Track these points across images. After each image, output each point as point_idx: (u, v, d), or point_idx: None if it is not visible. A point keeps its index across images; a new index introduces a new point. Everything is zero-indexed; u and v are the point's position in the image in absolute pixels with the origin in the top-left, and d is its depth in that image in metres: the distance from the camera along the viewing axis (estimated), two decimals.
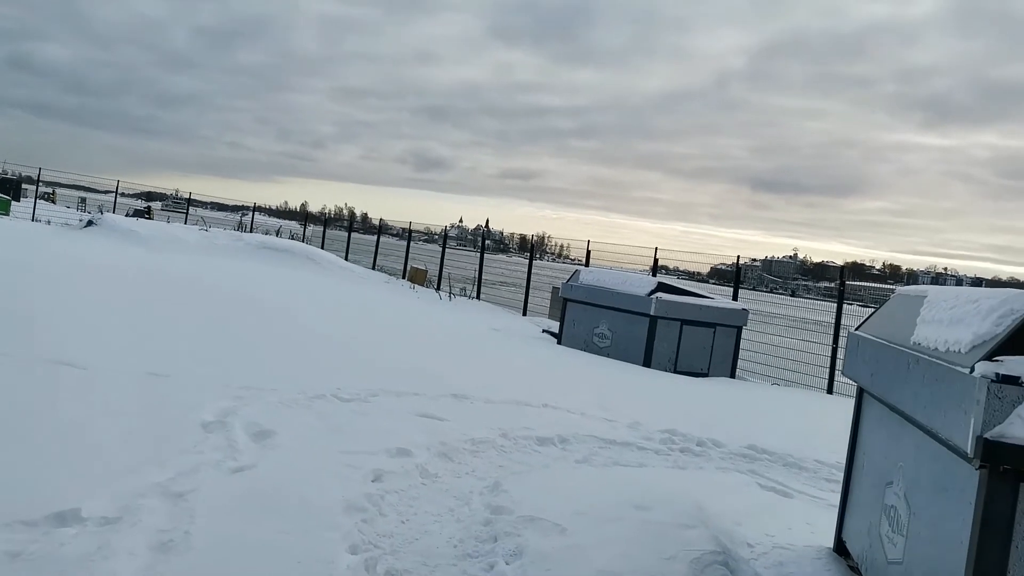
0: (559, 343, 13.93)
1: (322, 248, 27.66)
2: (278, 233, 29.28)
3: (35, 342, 6.36)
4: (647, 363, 12.39)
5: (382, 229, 32.34)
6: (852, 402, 3.76)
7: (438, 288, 21.84)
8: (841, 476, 3.86)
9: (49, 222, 23.63)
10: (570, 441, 6.18)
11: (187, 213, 36.32)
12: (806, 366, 14.02)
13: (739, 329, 13.23)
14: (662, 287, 12.72)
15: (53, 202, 51.84)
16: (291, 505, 3.62)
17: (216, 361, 6.75)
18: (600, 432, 6.60)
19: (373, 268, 25.98)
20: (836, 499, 3.86)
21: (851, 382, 3.95)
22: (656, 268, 16.32)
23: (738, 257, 14.35)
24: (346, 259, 26.65)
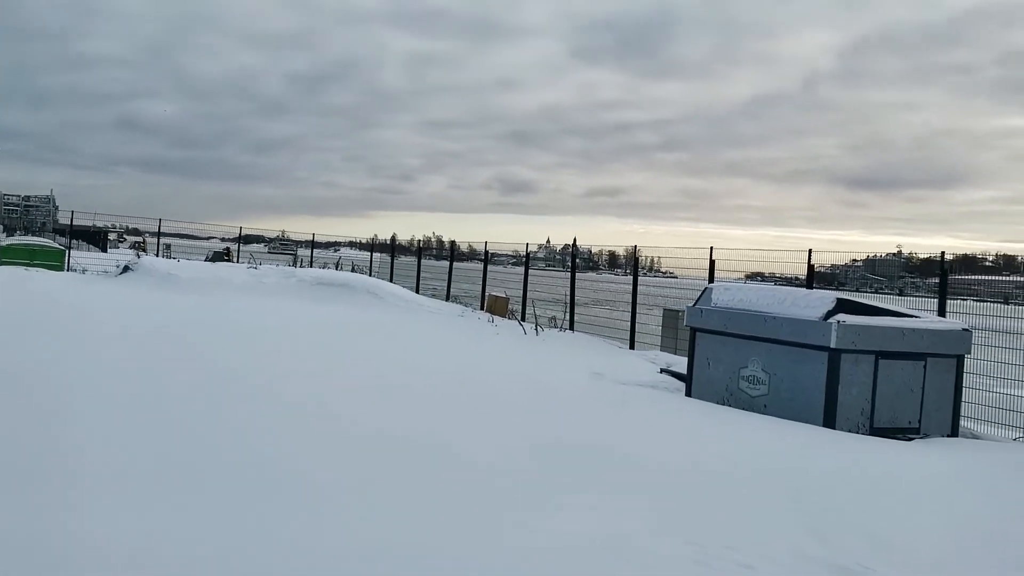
0: (688, 393, 9.95)
1: (391, 279, 24.42)
2: (337, 266, 26.21)
3: None
4: (829, 420, 8.27)
5: (464, 255, 28.97)
6: None
7: (522, 319, 18.11)
8: None
9: (84, 271, 21.20)
10: None
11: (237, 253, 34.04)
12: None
13: (959, 360, 8.96)
14: (842, 305, 8.60)
15: (144, 251, 51.49)
16: None
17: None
18: None
19: (447, 299, 22.49)
20: None
21: None
22: (812, 278, 12.07)
23: (943, 254, 9.93)
24: (417, 291, 23.28)
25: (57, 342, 8.58)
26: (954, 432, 8.80)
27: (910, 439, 8.27)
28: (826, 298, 8.74)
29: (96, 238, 52.11)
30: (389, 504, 4.05)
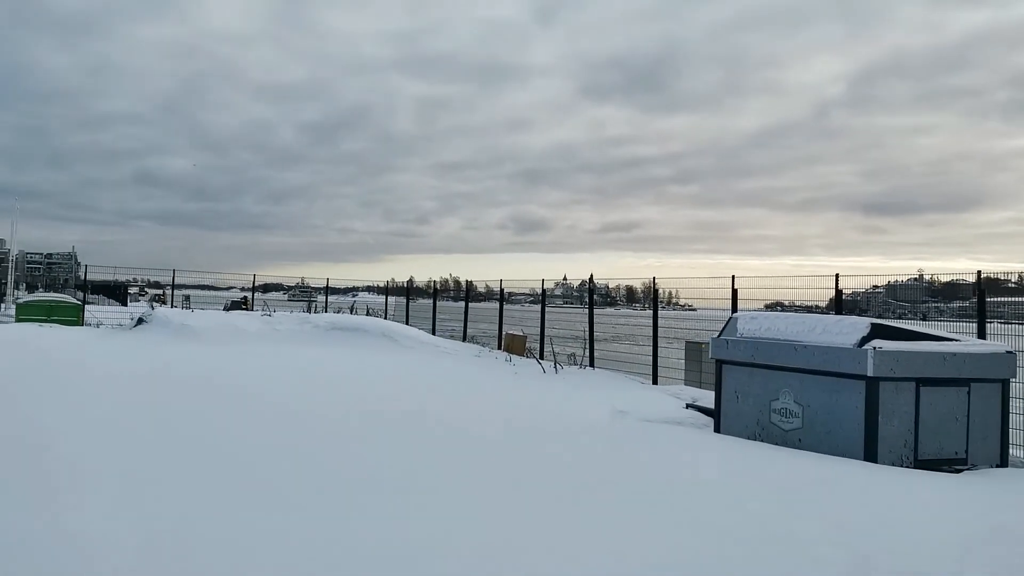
0: (717, 429, 9.46)
1: (406, 322, 24.11)
2: (352, 310, 25.94)
3: None
4: (870, 454, 7.76)
5: (481, 295, 28.65)
6: None
7: (540, 357, 17.66)
8: None
9: (99, 325, 21.06)
10: None
11: (253, 302, 33.91)
12: None
13: (1005, 384, 8.42)
14: (877, 330, 8.12)
15: (163, 302, 51.77)
16: None
17: None
18: None
19: (464, 339, 22.10)
20: None
21: None
22: (840, 304, 11.56)
23: (979, 273, 9.41)
24: (433, 332, 22.93)
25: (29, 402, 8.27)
26: (1003, 462, 8.24)
27: (958, 471, 7.73)
28: (859, 324, 8.26)
29: (117, 292, 52.65)
30: None
